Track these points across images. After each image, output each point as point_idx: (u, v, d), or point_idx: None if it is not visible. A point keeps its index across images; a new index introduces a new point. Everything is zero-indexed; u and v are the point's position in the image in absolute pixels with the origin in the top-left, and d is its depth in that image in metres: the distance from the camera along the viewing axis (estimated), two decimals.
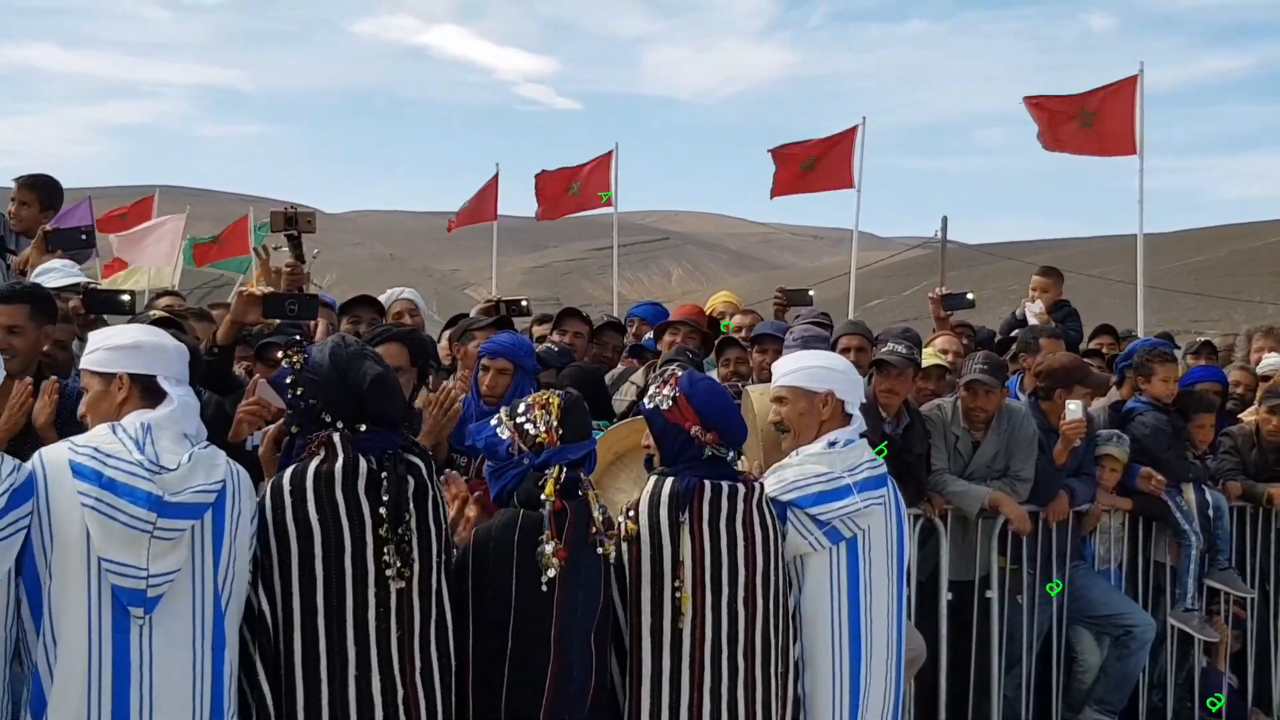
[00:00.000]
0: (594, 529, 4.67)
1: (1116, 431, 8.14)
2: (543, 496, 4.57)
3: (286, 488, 4.34)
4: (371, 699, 4.31)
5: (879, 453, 6.29)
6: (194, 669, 4.07)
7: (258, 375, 5.70)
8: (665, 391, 4.98)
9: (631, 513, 4.85)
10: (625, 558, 4.83)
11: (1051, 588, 7.72)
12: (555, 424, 4.66)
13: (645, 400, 5.09)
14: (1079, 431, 7.66)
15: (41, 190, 8.04)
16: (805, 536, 5.08)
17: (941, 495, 7.54)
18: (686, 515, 4.80)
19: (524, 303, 8.80)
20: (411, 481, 4.43)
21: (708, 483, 4.87)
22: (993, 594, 7.67)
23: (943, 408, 7.74)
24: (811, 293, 9.85)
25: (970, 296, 9.66)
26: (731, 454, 5.00)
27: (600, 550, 4.68)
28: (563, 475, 4.63)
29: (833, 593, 5.13)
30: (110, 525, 3.93)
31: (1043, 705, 7.90)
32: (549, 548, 4.51)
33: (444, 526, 4.57)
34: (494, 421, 4.76)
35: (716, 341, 8.73)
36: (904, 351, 7.31)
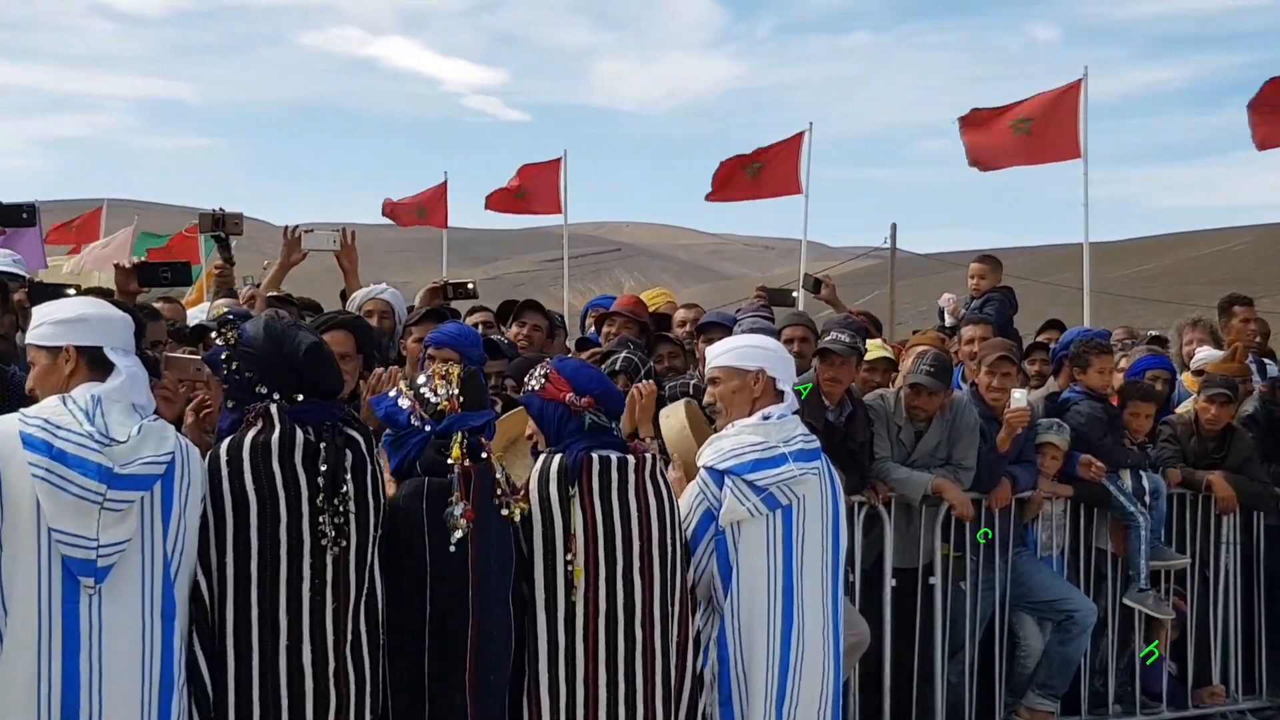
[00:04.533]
0: (499, 490, 4.72)
1: (1057, 420, 8.22)
2: (450, 460, 4.61)
3: (223, 458, 4.35)
4: (302, 669, 4.33)
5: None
6: (144, 637, 4.10)
7: (165, 353, 5.72)
8: (537, 373, 5.08)
9: (521, 491, 4.88)
10: (519, 535, 4.86)
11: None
12: (456, 392, 4.71)
13: (521, 389, 5.19)
14: (1023, 419, 7.75)
15: None
16: (743, 503, 5.15)
17: (885, 483, 7.60)
18: (576, 489, 4.86)
19: (470, 285, 8.76)
20: (350, 454, 4.46)
21: (596, 455, 4.93)
22: (936, 581, 7.74)
23: (885, 397, 7.81)
24: (795, 294, 9.92)
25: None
26: (614, 424, 5.07)
27: (505, 512, 4.73)
28: (465, 440, 4.67)
29: (769, 559, 5.19)
30: (60, 496, 3.96)
31: (986, 691, 7.95)
32: (458, 509, 4.54)
33: (381, 501, 4.59)
34: (393, 392, 4.80)
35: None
36: (847, 340, 7.38)
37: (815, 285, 9.79)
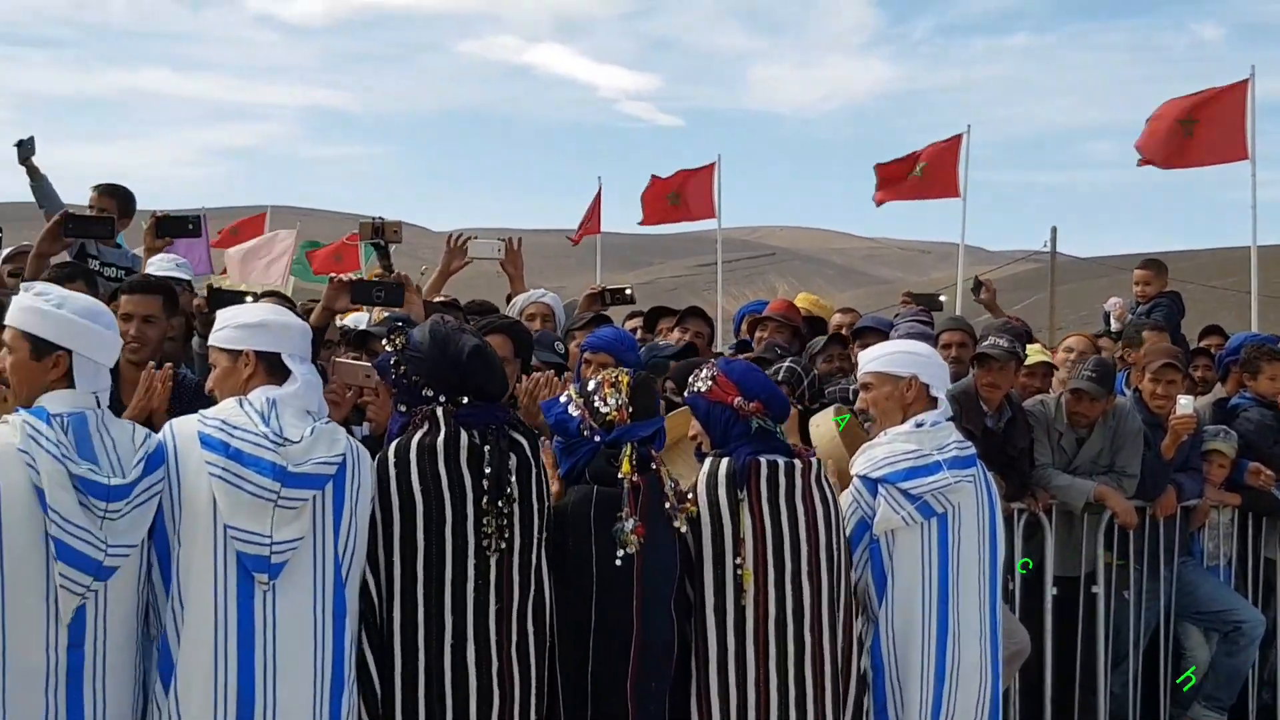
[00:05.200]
0: (668, 502, 4.73)
1: (1224, 427, 8.07)
2: (620, 474, 4.64)
3: (391, 460, 4.46)
4: (466, 668, 4.40)
5: None
6: (315, 635, 4.20)
7: (334, 358, 5.83)
8: (704, 375, 5.06)
9: (690, 495, 4.89)
10: (687, 539, 4.87)
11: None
12: (625, 402, 4.72)
13: (686, 391, 5.16)
14: (1188, 426, 7.62)
15: (120, 199, 8.24)
16: (898, 511, 5.12)
17: (1046, 490, 7.50)
18: (745, 493, 4.85)
19: (628, 291, 8.79)
20: (514, 457, 4.53)
21: (763, 459, 4.92)
22: (1099, 589, 7.63)
23: (1045, 403, 7.71)
24: (943, 298, 9.86)
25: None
26: (779, 428, 5.04)
27: (675, 524, 4.75)
28: (635, 453, 4.70)
29: (924, 567, 5.17)
30: (237, 494, 4.09)
31: (1150, 702, 7.83)
32: (629, 525, 4.57)
33: (546, 503, 4.65)
34: (564, 398, 4.83)
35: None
36: (1005, 345, 7.30)
37: (977, 287, 9.75)
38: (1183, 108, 15.34)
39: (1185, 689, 8.12)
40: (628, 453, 4.68)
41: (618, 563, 4.58)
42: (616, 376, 4.81)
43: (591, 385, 4.81)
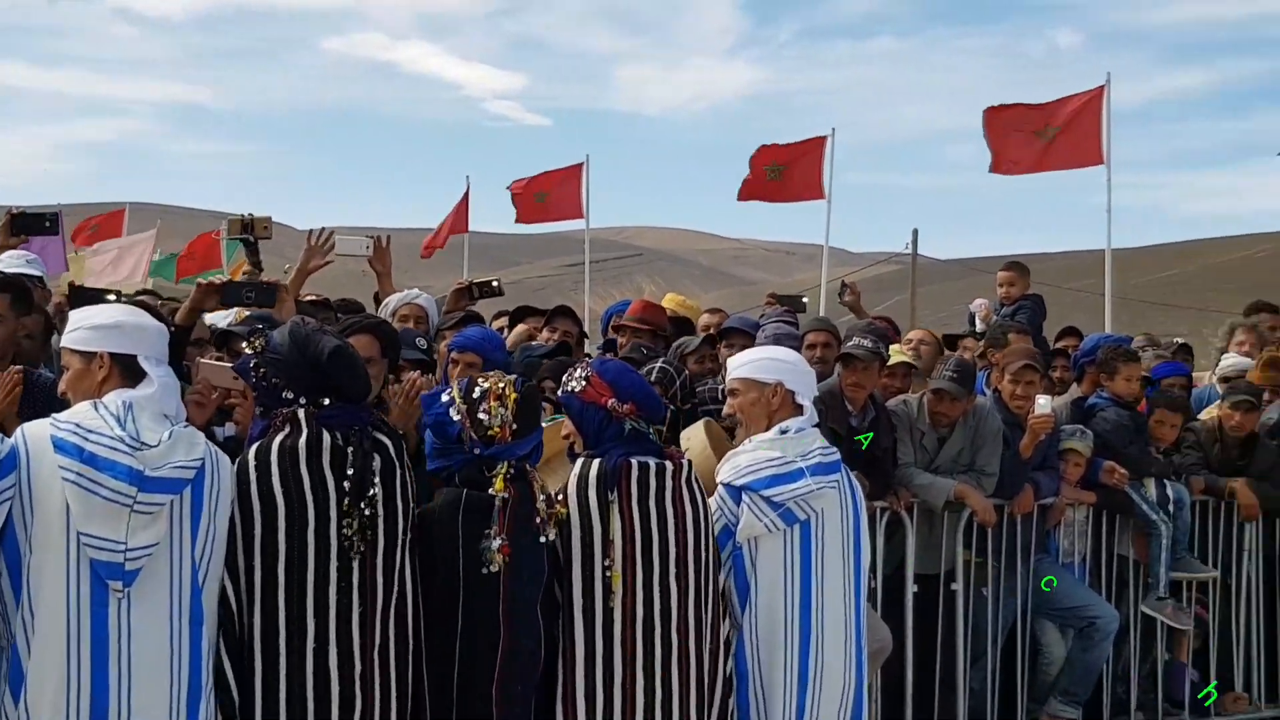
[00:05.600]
0: (538, 517, 4.72)
1: (1080, 426, 8.22)
2: (492, 491, 4.61)
3: (251, 463, 4.39)
4: (329, 673, 4.34)
5: (863, 440, 6.58)
6: (172, 643, 4.12)
7: (198, 359, 5.75)
8: (578, 374, 5.05)
9: (560, 496, 4.88)
10: (557, 542, 4.85)
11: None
12: (510, 420, 4.69)
13: (560, 389, 5.14)
14: (1046, 426, 7.75)
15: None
16: (761, 518, 5.15)
17: (907, 488, 7.60)
18: (615, 494, 4.85)
19: (495, 283, 8.74)
20: (378, 459, 4.48)
21: (635, 461, 4.92)
22: (958, 587, 7.74)
23: (908, 403, 7.81)
24: (806, 299, 9.95)
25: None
26: (652, 430, 5.05)
27: (544, 539, 4.74)
28: (511, 471, 4.68)
29: (786, 574, 5.19)
30: (91, 500, 3.98)
31: (1008, 698, 7.96)
32: (495, 544, 4.55)
33: (410, 505, 4.60)
34: (445, 398, 4.77)
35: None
36: (870, 345, 7.38)
37: (843, 290, 9.94)
38: (1038, 113, 15.61)
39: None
40: (503, 471, 4.65)
41: (484, 573, 4.56)
42: (504, 389, 4.74)
43: (477, 393, 4.74)
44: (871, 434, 7.46)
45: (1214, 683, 8.59)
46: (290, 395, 4.48)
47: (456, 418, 4.70)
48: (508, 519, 4.62)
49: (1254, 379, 9.06)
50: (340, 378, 4.53)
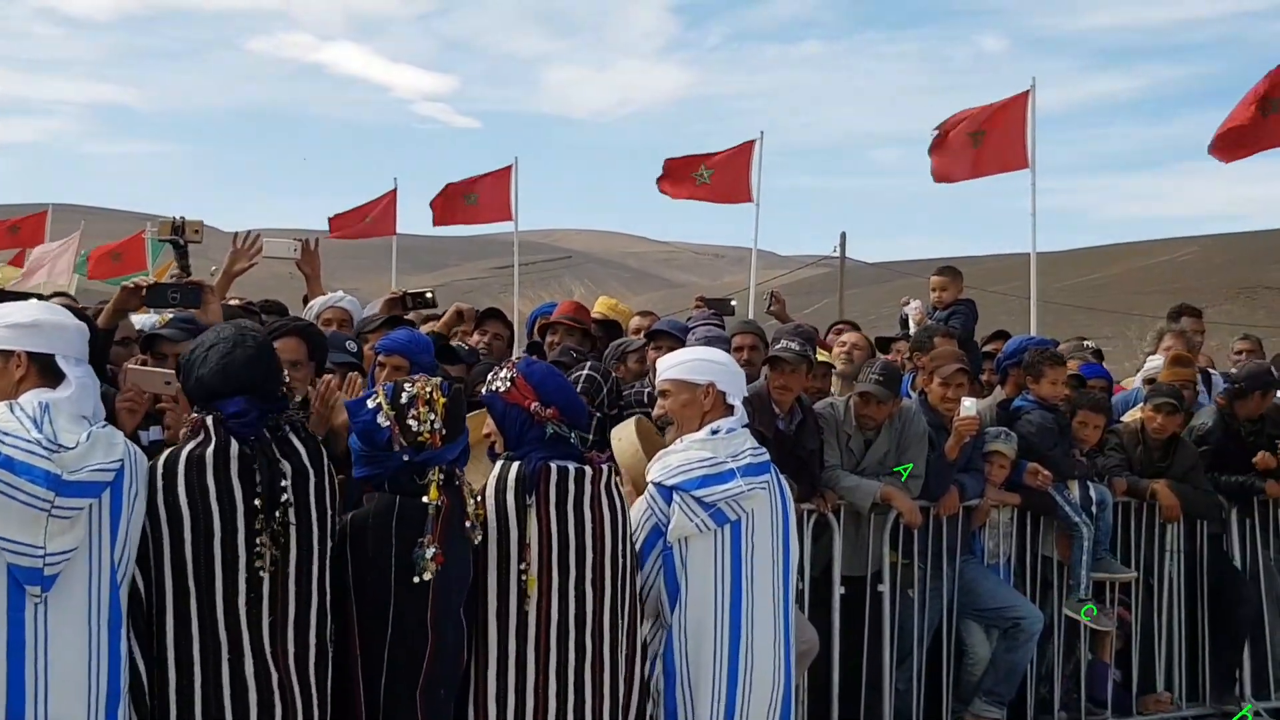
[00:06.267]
0: (468, 521, 4.71)
1: (1004, 429, 8.28)
2: (426, 500, 4.58)
3: (159, 472, 4.33)
4: (245, 681, 4.30)
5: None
6: (90, 647, 4.07)
7: (126, 364, 5.70)
8: (502, 374, 5.02)
9: (479, 498, 4.86)
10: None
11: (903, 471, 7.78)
12: (440, 425, 4.66)
13: (484, 387, 5.10)
14: (971, 428, 7.80)
15: None
16: (691, 519, 5.17)
17: (834, 490, 7.61)
18: (533, 498, 4.85)
19: (429, 294, 8.70)
20: (288, 465, 4.44)
21: (554, 465, 4.92)
22: (884, 588, 7.78)
23: (835, 405, 7.84)
24: (733, 302, 9.97)
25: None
26: (574, 435, 5.04)
27: (473, 540, 4.73)
28: (442, 477, 4.66)
29: (717, 574, 5.22)
30: (7, 504, 3.92)
31: (933, 698, 7.99)
32: (428, 553, 4.53)
33: (329, 513, 4.56)
34: (371, 404, 4.71)
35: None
36: (797, 348, 7.41)
37: (771, 300, 10.05)
38: (971, 120, 15.72)
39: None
40: (435, 478, 4.63)
41: (415, 581, 4.54)
42: (431, 393, 4.70)
43: (405, 399, 4.67)
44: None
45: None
46: (206, 401, 4.46)
47: (385, 424, 4.65)
48: (441, 526, 4.59)
49: (1162, 378, 9.17)
50: (256, 383, 4.48)
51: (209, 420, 4.40)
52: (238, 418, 4.41)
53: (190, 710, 4.26)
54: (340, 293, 8.18)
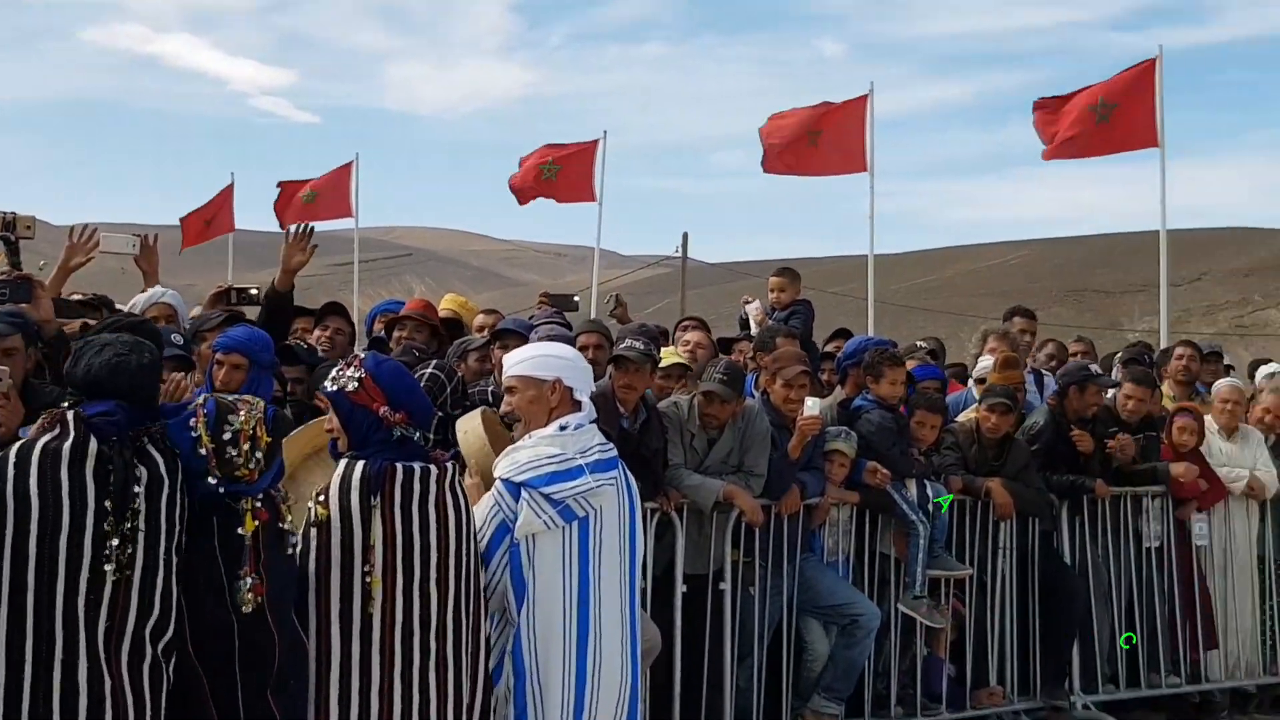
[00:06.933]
0: (287, 543, 4.66)
1: (845, 428, 8.38)
2: (242, 531, 4.49)
3: (11, 460, 4.25)
4: (77, 685, 4.21)
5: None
6: None
7: None
8: (349, 373, 4.94)
9: (322, 497, 4.81)
10: (314, 543, 4.79)
11: None
12: (260, 461, 4.54)
13: (329, 383, 5.01)
14: (814, 427, 7.89)
15: None
16: (539, 515, 5.15)
17: (678, 489, 7.65)
18: (378, 499, 4.80)
19: (254, 290, 8.53)
20: (144, 471, 4.36)
21: (400, 466, 4.87)
22: (725, 586, 7.83)
23: (679, 404, 7.87)
24: (577, 298, 9.96)
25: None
26: (418, 434, 5.00)
27: (291, 551, 4.69)
28: (258, 504, 4.56)
29: (565, 571, 5.21)
30: None
31: (773, 695, 8.06)
32: (246, 584, 4.45)
33: (177, 527, 4.46)
34: (192, 430, 4.51)
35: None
36: (641, 347, 7.42)
37: (615, 304, 10.31)
38: (809, 117, 15.86)
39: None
40: (250, 508, 4.51)
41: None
42: (255, 429, 4.53)
43: (228, 434, 4.49)
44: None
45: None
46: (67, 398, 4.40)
47: (203, 453, 4.48)
48: (259, 547, 4.52)
49: (993, 380, 9.35)
50: (135, 388, 4.45)
51: (69, 415, 4.31)
52: (105, 416, 4.34)
53: (17, 707, 4.16)
54: (161, 288, 7.99)
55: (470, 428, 6.02)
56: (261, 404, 4.69)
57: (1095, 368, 10.30)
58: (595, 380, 7.08)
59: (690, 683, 7.68)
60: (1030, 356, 10.71)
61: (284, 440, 4.92)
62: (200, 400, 4.63)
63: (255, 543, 4.50)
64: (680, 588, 7.61)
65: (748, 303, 10.77)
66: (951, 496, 8.17)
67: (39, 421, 4.38)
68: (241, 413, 4.57)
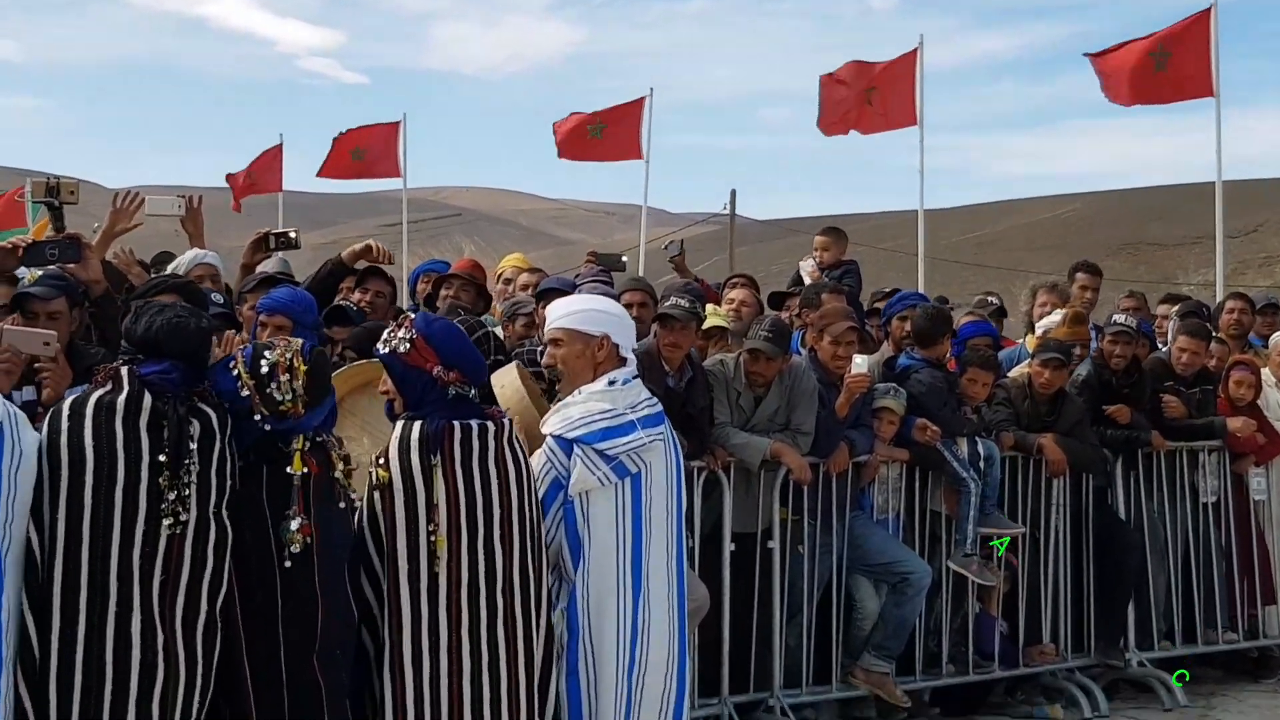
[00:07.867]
0: (338, 486, 4.65)
1: (893, 385, 8.31)
2: (291, 470, 4.50)
3: (65, 413, 4.27)
4: (130, 639, 4.22)
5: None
6: None
7: (2, 325, 5.55)
8: (400, 334, 4.90)
9: (381, 460, 4.79)
10: (378, 505, 4.78)
11: None
12: (302, 393, 4.54)
13: (380, 345, 4.98)
14: (862, 385, 7.84)
15: None
16: (594, 472, 5.13)
17: (724, 448, 7.61)
18: (438, 457, 4.78)
19: (293, 234, 8.46)
20: (197, 426, 4.36)
21: (457, 424, 4.85)
22: (774, 545, 7.80)
23: (725, 363, 7.83)
24: (624, 258, 9.90)
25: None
26: (473, 391, 4.97)
27: (343, 505, 4.68)
28: (308, 445, 4.58)
29: (619, 528, 5.20)
30: None
31: (823, 653, 8.04)
32: (294, 524, 4.46)
33: (227, 482, 4.47)
34: (234, 372, 4.56)
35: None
36: (686, 305, 7.37)
37: (679, 249, 10.39)
38: (865, 77, 15.75)
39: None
40: (300, 446, 4.53)
41: (287, 562, 4.47)
42: (292, 360, 4.55)
43: (265, 368, 4.52)
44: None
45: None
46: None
47: (245, 394, 4.52)
48: (310, 494, 4.51)
49: (1060, 335, 9.23)
50: (190, 351, 4.47)
51: (124, 370, 4.33)
52: (161, 374, 4.36)
53: (71, 660, 4.18)
54: (204, 250, 7.99)
55: (506, 381, 5.96)
56: (299, 341, 4.71)
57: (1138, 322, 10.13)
58: (639, 338, 7.05)
59: (739, 641, 7.68)
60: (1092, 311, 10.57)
61: (333, 376, 4.94)
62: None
63: (304, 485, 4.51)
64: (729, 546, 7.58)
65: (806, 260, 10.66)
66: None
67: (94, 379, 4.38)
68: (278, 348, 4.60)
